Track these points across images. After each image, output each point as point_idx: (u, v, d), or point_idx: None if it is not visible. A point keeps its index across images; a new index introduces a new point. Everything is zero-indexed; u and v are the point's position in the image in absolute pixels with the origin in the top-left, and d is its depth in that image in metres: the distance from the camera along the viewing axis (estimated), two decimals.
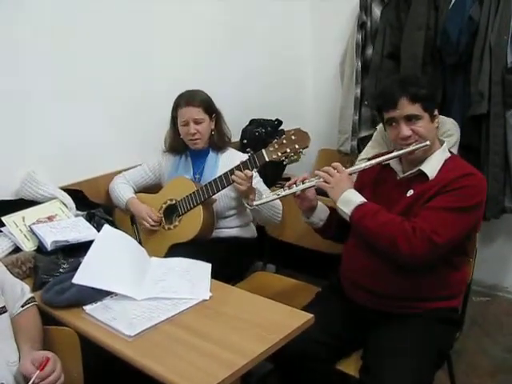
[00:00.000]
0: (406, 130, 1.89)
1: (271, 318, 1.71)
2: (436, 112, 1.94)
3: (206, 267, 2.04)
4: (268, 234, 2.80)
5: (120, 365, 1.59)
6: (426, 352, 1.85)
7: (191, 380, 1.41)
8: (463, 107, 3.08)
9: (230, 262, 2.46)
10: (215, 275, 2.00)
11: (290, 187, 2.04)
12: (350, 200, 1.93)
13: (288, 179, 3.21)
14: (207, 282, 1.95)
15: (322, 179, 1.98)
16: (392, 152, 2.01)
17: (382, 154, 2.07)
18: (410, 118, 1.88)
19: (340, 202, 1.94)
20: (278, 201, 2.41)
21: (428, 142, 1.89)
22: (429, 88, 1.92)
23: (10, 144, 2.45)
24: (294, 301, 2.01)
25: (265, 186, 2.54)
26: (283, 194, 2.05)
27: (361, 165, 2.04)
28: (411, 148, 1.90)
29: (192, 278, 1.97)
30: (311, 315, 1.70)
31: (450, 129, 2.74)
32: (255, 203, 2.17)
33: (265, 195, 2.20)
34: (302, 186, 2.02)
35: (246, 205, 2.35)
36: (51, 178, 2.55)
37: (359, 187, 2.04)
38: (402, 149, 1.94)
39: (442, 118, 2.87)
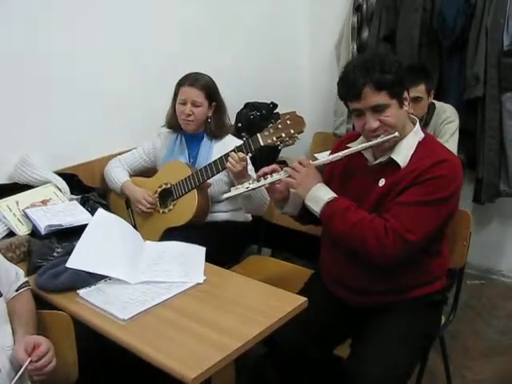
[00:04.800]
0: (372, 122, 1.76)
1: (265, 301, 1.73)
2: (405, 95, 1.81)
3: (200, 251, 2.05)
4: (263, 218, 2.79)
5: (115, 349, 1.59)
6: (412, 338, 1.83)
7: (185, 363, 1.42)
8: (459, 91, 3.07)
9: (225, 245, 2.46)
10: (209, 259, 2.00)
11: (258, 180, 1.96)
12: (319, 197, 1.84)
13: (283, 162, 3.23)
14: (201, 265, 1.95)
15: (288, 175, 1.90)
16: (360, 143, 1.90)
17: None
18: (377, 108, 1.75)
19: (308, 200, 1.86)
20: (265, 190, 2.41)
21: (397, 134, 1.77)
22: (396, 71, 1.74)
23: (5, 127, 2.43)
24: (289, 284, 2.00)
25: (255, 176, 2.51)
26: (252, 186, 1.97)
27: (328, 157, 1.93)
28: (379, 140, 1.79)
29: (186, 262, 1.97)
30: (305, 299, 1.70)
31: (450, 115, 2.73)
32: (225, 196, 2.09)
33: (231, 192, 2.07)
34: (269, 180, 1.93)
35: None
36: (45, 161, 2.54)
37: (329, 175, 1.99)
38: (370, 140, 1.83)
39: (441, 104, 2.87)
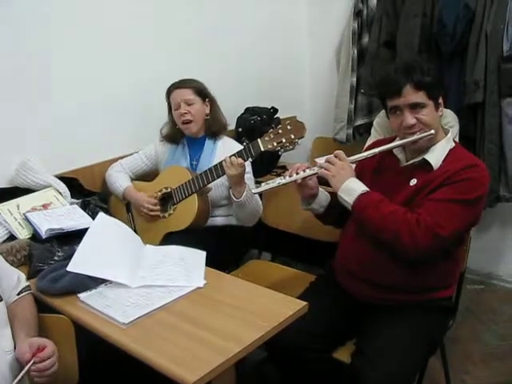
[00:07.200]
0: (410, 119, 1.84)
1: (265, 305, 1.72)
2: (441, 100, 1.89)
3: (200, 255, 2.05)
4: (263, 222, 2.79)
5: (115, 353, 1.59)
6: (419, 339, 1.86)
7: (185, 367, 1.42)
8: (459, 96, 3.08)
9: (225, 249, 2.47)
10: (210, 263, 2.00)
11: (290, 175, 1.99)
12: (352, 189, 1.88)
13: (283, 167, 3.24)
14: (202, 269, 1.95)
15: (323, 167, 1.93)
16: (395, 140, 1.97)
17: (385, 142, 2.02)
18: (415, 106, 1.84)
19: (342, 191, 1.89)
20: (259, 200, 2.45)
21: (433, 131, 1.84)
22: (434, 75, 1.86)
23: (5, 131, 2.43)
24: (289, 289, 2.01)
25: (253, 185, 2.51)
26: (284, 181, 1.99)
27: (363, 153, 1.98)
28: (415, 137, 1.86)
29: (187, 266, 1.97)
30: (305, 303, 1.70)
31: (450, 121, 2.74)
32: (254, 191, 2.12)
33: (261, 187, 2.10)
34: (303, 174, 1.97)
35: (233, 197, 2.36)
36: (46, 165, 2.54)
37: (359, 174, 2.01)
38: (405, 138, 1.89)
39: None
